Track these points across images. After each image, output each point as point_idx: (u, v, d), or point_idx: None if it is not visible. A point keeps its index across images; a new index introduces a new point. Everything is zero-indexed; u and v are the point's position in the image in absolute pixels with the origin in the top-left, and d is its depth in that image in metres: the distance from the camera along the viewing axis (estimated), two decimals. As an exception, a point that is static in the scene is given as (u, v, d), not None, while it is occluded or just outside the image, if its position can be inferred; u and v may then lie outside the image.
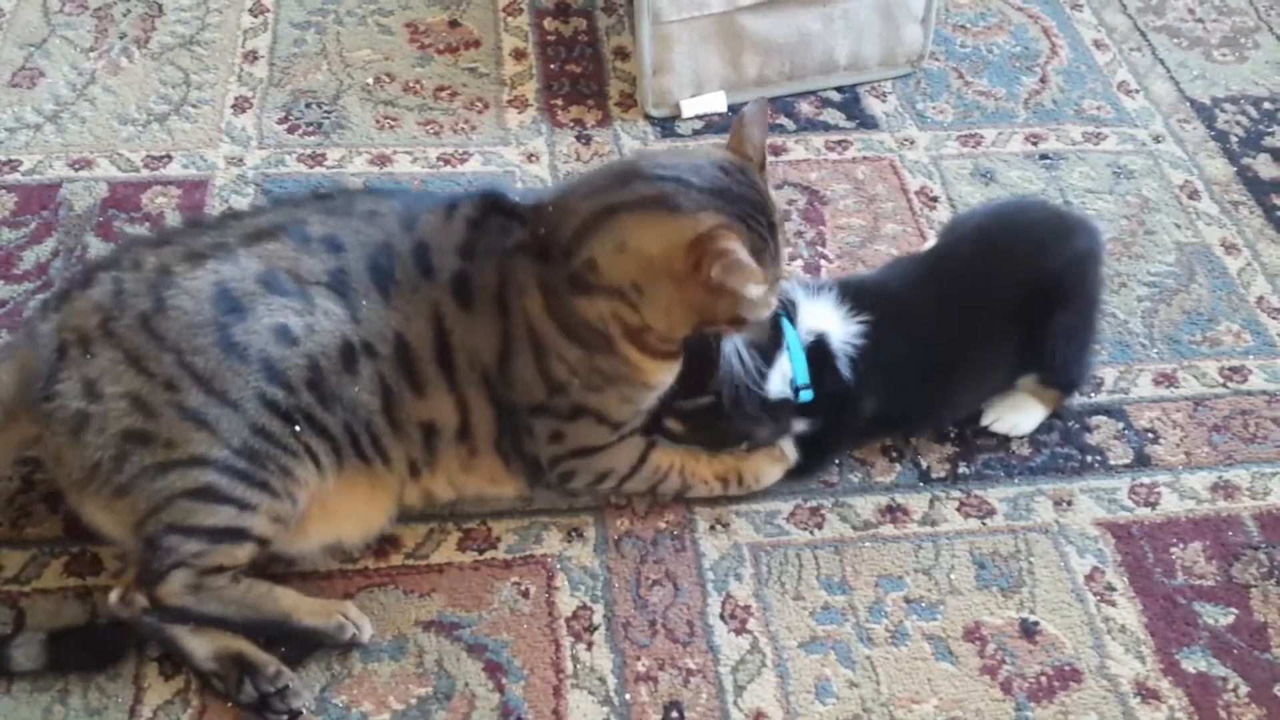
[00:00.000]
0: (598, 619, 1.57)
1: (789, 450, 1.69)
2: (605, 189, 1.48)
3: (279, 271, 1.47)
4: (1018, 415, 1.78)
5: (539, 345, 1.51)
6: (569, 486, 1.65)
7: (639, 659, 1.54)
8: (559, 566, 1.62)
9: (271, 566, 1.56)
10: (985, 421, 1.79)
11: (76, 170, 2.08)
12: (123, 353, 1.43)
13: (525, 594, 1.59)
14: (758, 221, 1.44)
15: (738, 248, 1.37)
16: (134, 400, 1.42)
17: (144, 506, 1.42)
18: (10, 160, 2.09)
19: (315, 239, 1.51)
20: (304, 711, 1.45)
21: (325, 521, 1.54)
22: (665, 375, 1.56)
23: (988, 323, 1.68)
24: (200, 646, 1.46)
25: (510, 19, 2.45)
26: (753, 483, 1.69)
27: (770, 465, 1.70)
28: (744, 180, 1.45)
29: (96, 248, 1.94)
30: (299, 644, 1.50)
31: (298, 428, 1.46)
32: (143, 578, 1.45)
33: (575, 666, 1.53)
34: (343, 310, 1.47)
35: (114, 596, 1.47)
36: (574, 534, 1.65)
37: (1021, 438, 1.79)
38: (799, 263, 2.02)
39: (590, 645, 1.54)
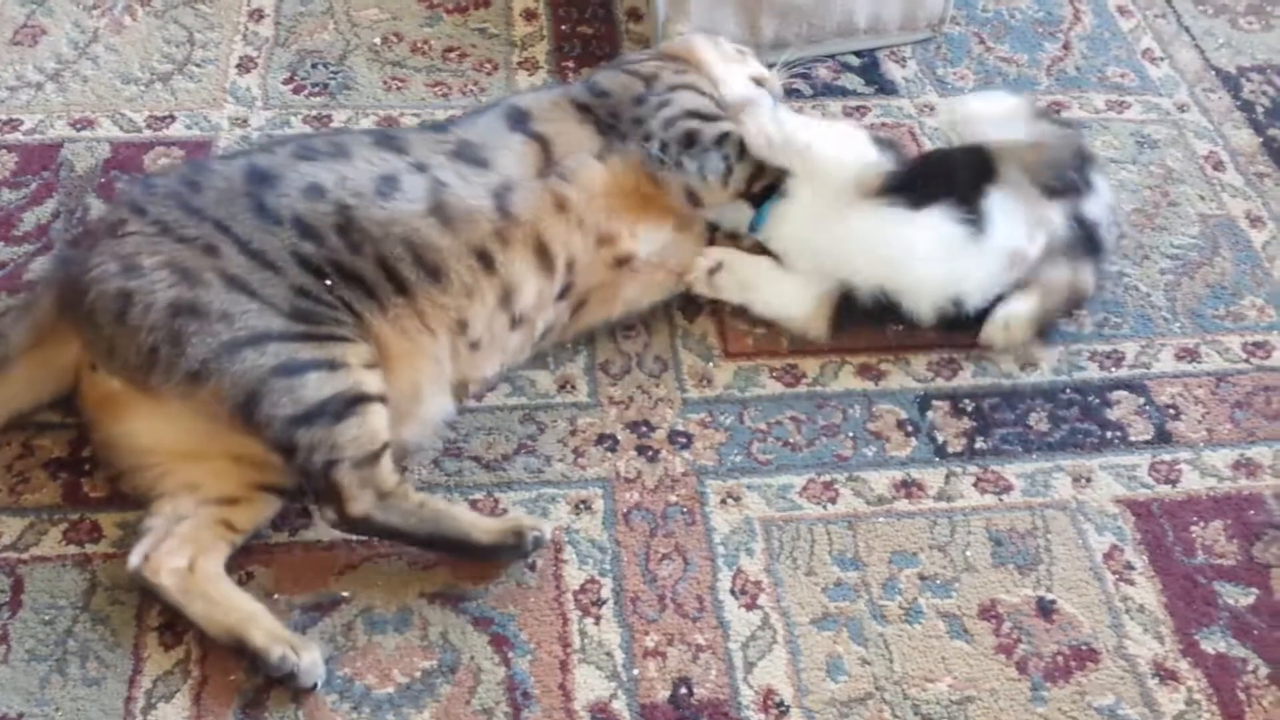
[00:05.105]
0: (606, 593, 1.54)
1: None
2: None
3: (317, 146, 1.58)
4: (1005, 306, 1.74)
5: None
6: (690, 151, 1.69)
7: (648, 634, 1.51)
8: (567, 539, 1.59)
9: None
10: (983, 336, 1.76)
11: (78, 130, 2.04)
12: (156, 225, 1.43)
13: (532, 567, 1.56)
14: None
15: None
16: (175, 268, 1.40)
17: (231, 390, 1.39)
18: (11, 119, 2.05)
19: (360, 133, 1.71)
20: (317, 685, 1.42)
21: (401, 367, 1.53)
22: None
23: None
24: (211, 624, 1.43)
25: (521, -21, 2.40)
26: None
27: None
28: None
29: (98, 209, 1.90)
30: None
31: (329, 281, 1.47)
32: (319, 493, 1.44)
33: (583, 641, 1.50)
34: (387, 154, 1.59)
35: (134, 559, 1.45)
36: (582, 506, 1.62)
37: (1024, 341, 1.77)
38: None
39: (598, 619, 1.52)
